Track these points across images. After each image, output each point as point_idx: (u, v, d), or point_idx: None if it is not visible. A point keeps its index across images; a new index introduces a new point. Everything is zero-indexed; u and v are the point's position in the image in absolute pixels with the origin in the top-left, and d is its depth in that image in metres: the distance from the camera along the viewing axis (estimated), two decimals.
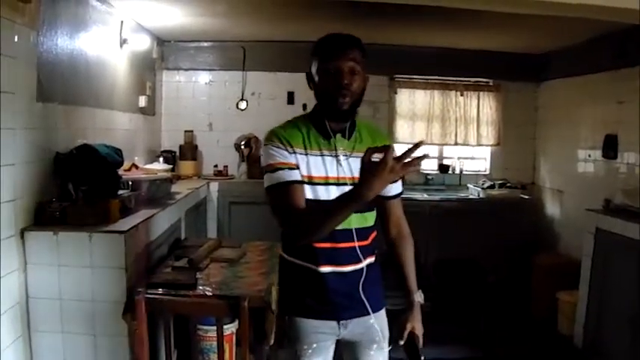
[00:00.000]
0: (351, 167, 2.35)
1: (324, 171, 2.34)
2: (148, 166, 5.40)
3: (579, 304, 5.12)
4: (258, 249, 4.35)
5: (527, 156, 7.50)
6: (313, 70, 2.36)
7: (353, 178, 2.32)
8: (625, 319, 4.45)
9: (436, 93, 7.30)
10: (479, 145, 7.43)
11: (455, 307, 6.01)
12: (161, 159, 6.33)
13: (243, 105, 7.11)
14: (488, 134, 7.40)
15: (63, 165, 3.72)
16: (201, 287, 3.34)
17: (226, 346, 3.48)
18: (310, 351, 2.47)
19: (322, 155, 2.35)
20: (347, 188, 2.18)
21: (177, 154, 6.92)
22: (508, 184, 7.06)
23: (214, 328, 3.36)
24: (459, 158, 7.56)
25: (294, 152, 2.32)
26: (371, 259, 2.50)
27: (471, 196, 7.03)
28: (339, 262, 2.39)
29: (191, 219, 5.44)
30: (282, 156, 2.31)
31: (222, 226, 6.55)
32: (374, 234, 2.53)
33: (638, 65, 5.16)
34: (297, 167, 2.31)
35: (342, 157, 2.36)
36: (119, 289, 3.32)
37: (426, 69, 7.18)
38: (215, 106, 7.16)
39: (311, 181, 2.32)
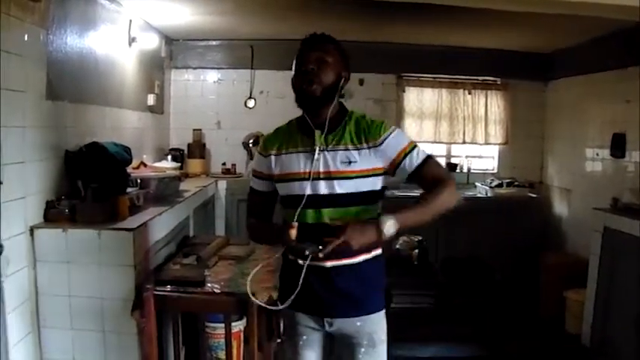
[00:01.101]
0: (327, 161, 2.38)
1: (298, 167, 2.43)
2: (157, 164, 5.43)
3: (587, 302, 5.12)
4: (266, 246, 4.35)
5: (535, 155, 7.49)
6: (293, 70, 2.50)
7: (328, 172, 2.38)
8: (633, 318, 4.45)
9: (444, 91, 7.30)
10: (487, 143, 7.43)
11: (462, 306, 6.01)
12: (169, 157, 6.35)
13: (251, 103, 7.13)
14: (496, 133, 7.40)
15: (72, 163, 3.75)
16: (209, 284, 3.36)
17: (234, 343, 3.50)
18: (301, 343, 2.54)
19: (299, 152, 2.45)
20: (322, 182, 2.37)
21: (186, 152, 6.94)
22: (516, 183, 7.05)
23: (222, 325, 3.38)
24: (466, 157, 7.56)
25: (269, 155, 2.53)
26: (367, 255, 2.44)
27: (478, 195, 7.02)
28: (314, 257, 2.32)
29: (199, 217, 5.46)
30: (258, 163, 2.61)
31: (230, 223, 6.56)
32: None
33: None
34: (267, 175, 2.55)
35: (317, 152, 2.39)
36: (128, 286, 3.34)
37: (434, 67, 7.17)
38: (223, 104, 7.18)
39: (284, 178, 2.47)
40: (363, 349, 2.47)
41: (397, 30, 6.10)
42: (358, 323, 2.45)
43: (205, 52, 7.11)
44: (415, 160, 2.39)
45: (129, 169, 4.22)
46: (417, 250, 5.44)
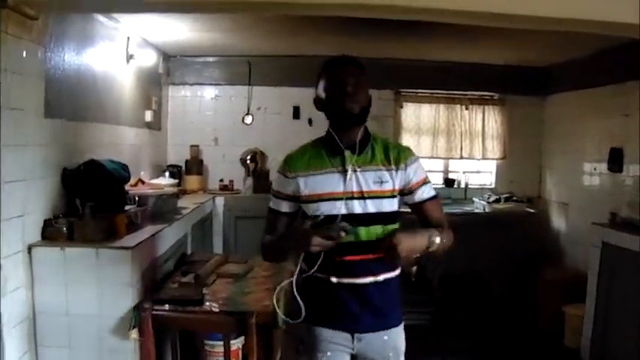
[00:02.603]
0: (359, 181, 2.44)
1: (329, 187, 2.45)
2: (154, 181, 5.42)
3: (586, 317, 5.10)
4: (265, 264, 4.33)
5: (532, 169, 7.48)
6: (320, 89, 2.50)
7: (361, 192, 2.43)
8: (632, 333, 4.44)
9: (442, 107, 7.30)
10: (484, 158, 7.43)
11: (461, 321, 5.99)
12: (167, 173, 6.35)
13: (248, 119, 7.12)
14: (494, 148, 7.40)
15: (70, 181, 3.74)
16: (207, 303, 3.35)
17: None
18: (324, 359, 2.54)
19: (329, 172, 2.47)
20: (355, 202, 2.42)
21: (183, 168, 6.93)
22: (514, 198, 7.05)
23: (221, 343, 3.37)
24: (464, 172, 7.56)
25: (296, 176, 2.51)
26: (389, 274, 2.52)
27: (476, 210, 7.02)
28: (350, 274, 2.45)
29: (197, 234, 5.45)
30: (281, 183, 2.57)
31: (228, 240, 6.55)
32: None
33: None
34: (292, 197, 2.54)
35: (350, 172, 2.43)
36: (126, 305, 3.33)
37: (432, 83, 7.18)
38: (221, 120, 7.18)
39: (316, 199, 2.46)
40: None
41: (394, 46, 6.11)
42: (385, 337, 2.53)
43: (203, 69, 7.12)
44: (426, 194, 2.53)
45: (127, 187, 4.22)
46: (415, 267, 5.43)
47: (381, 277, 2.48)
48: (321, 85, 2.49)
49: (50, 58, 3.63)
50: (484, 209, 6.89)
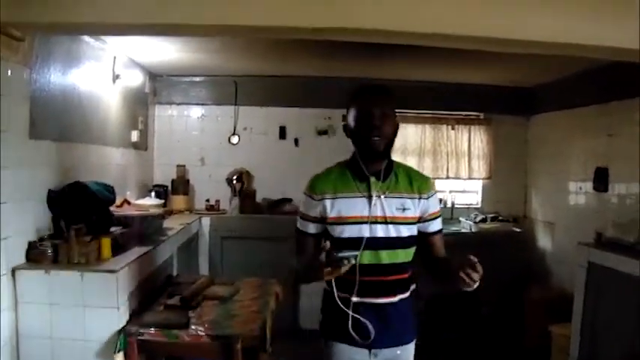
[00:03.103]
0: (383, 207, 2.56)
1: (356, 211, 2.56)
2: (140, 202, 5.40)
3: (572, 337, 5.10)
4: (251, 285, 4.33)
5: (518, 189, 7.50)
6: (350, 118, 2.61)
7: (384, 217, 2.55)
8: (618, 353, 4.44)
9: (427, 127, 7.32)
10: (470, 178, 7.44)
11: (448, 341, 5.98)
12: (153, 193, 6.32)
13: (235, 139, 7.11)
14: (480, 168, 7.42)
15: (55, 202, 3.72)
16: (193, 327, 3.33)
17: None
18: None
19: (356, 197, 2.58)
20: (379, 226, 2.54)
21: (169, 188, 6.90)
22: (500, 218, 7.07)
23: None
24: (450, 192, 7.55)
25: (322, 199, 2.60)
26: (404, 294, 2.66)
27: (463, 230, 7.02)
28: (370, 294, 2.57)
29: (183, 254, 5.41)
30: (308, 206, 2.65)
31: (214, 261, 6.51)
32: (409, 270, 2.69)
33: (626, 98, 5.20)
34: (320, 218, 2.61)
35: (374, 198, 2.55)
36: (111, 329, 3.31)
37: (418, 103, 7.18)
38: (207, 140, 7.16)
39: (342, 221, 2.57)
40: None
41: (380, 66, 6.13)
42: (398, 352, 2.68)
43: (189, 88, 7.11)
44: (436, 226, 2.70)
45: (112, 208, 4.20)
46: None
47: (397, 298, 2.62)
48: (351, 114, 2.59)
49: (36, 79, 3.62)
50: (470, 229, 6.90)
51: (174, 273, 4.83)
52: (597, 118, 5.77)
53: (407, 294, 2.68)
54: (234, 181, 6.98)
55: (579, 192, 6.13)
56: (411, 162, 7.22)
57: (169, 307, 3.66)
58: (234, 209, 6.85)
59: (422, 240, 2.68)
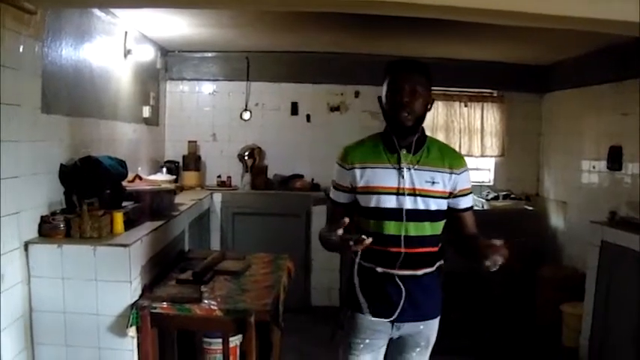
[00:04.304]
0: (412, 179, 2.58)
1: (385, 181, 2.59)
2: (152, 177, 5.39)
3: (584, 316, 5.10)
4: (263, 261, 4.33)
5: (531, 167, 7.47)
6: (383, 92, 2.63)
7: (413, 189, 2.58)
8: (630, 332, 4.43)
9: (440, 104, 7.27)
10: (483, 156, 7.41)
11: (460, 320, 5.98)
12: (164, 169, 6.32)
13: (246, 115, 7.10)
14: (492, 145, 7.38)
15: (67, 177, 3.71)
16: (206, 301, 3.32)
17: (230, 359, 3.47)
18: (362, 345, 2.72)
19: (386, 168, 2.61)
20: (407, 198, 2.57)
21: (181, 164, 6.91)
22: (512, 196, 7.04)
23: (219, 340, 3.36)
24: None
25: (353, 167, 2.65)
26: (430, 269, 2.68)
27: (475, 208, 6.96)
28: (394, 266, 2.61)
29: (194, 230, 5.42)
30: (340, 175, 2.71)
31: (225, 237, 6.53)
32: (437, 245, 2.72)
33: None
34: (350, 188, 2.67)
35: (404, 170, 2.58)
36: (124, 303, 3.32)
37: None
38: (219, 116, 7.15)
39: (370, 191, 2.61)
40: (418, 349, 2.78)
41: (393, 42, 6.08)
42: (421, 327, 2.72)
43: (201, 64, 7.09)
44: (466, 203, 2.71)
45: (124, 183, 4.20)
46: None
47: (422, 272, 2.64)
48: (384, 88, 2.61)
49: (47, 54, 3.61)
50: (483, 207, 6.87)
51: (186, 248, 4.84)
52: (611, 96, 5.72)
53: (432, 268, 2.69)
54: (246, 157, 6.98)
55: (592, 171, 6.09)
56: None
57: (182, 282, 3.66)
58: (245, 185, 6.85)
59: (452, 216, 2.70)
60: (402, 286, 2.61)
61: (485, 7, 3.02)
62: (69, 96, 3.97)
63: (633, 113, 5.24)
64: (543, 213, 7.14)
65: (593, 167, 6.07)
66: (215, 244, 6.48)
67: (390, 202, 2.57)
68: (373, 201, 2.59)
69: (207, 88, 7.17)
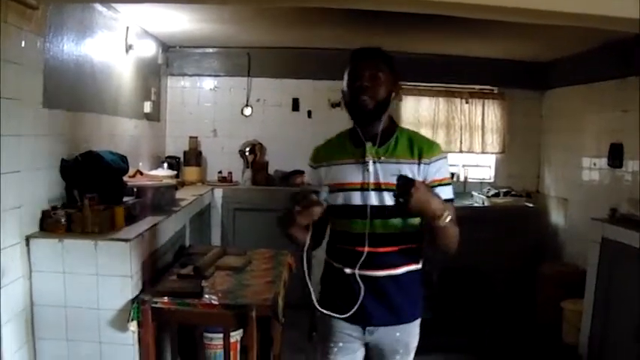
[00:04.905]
0: (377, 173, 2.45)
1: (350, 177, 2.49)
2: (153, 173, 5.40)
3: (584, 313, 5.10)
4: (263, 256, 4.34)
5: (531, 164, 7.47)
6: (344, 82, 2.52)
7: (378, 183, 2.45)
8: (631, 329, 4.43)
9: (441, 100, 7.28)
10: (483, 152, 7.41)
11: (459, 316, 5.99)
12: (165, 165, 6.33)
13: (248, 111, 7.10)
14: (493, 142, 7.38)
15: (69, 171, 3.72)
16: (207, 296, 3.33)
17: (231, 354, 3.47)
18: (336, 349, 2.61)
19: (351, 163, 2.51)
20: (372, 194, 2.44)
21: (182, 159, 6.91)
22: (512, 192, 7.03)
23: (219, 335, 3.36)
24: (463, 166, 7.53)
25: (320, 166, 2.61)
26: (409, 267, 2.53)
27: (475, 204, 6.99)
28: (365, 266, 2.46)
29: (195, 226, 5.43)
30: (311, 175, 2.67)
31: (226, 232, 6.54)
32: (412, 243, 2.55)
33: None
34: (319, 187, 2.47)
35: (369, 164, 2.46)
36: (125, 297, 3.32)
37: (432, 76, 7.16)
38: (220, 112, 7.15)
39: (336, 188, 2.48)
40: (398, 357, 2.60)
41: (394, 38, 6.08)
42: (397, 334, 2.56)
43: (202, 60, 7.09)
44: (443, 194, 2.43)
45: (125, 178, 4.20)
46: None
47: (399, 271, 2.50)
48: (344, 78, 2.51)
49: (49, 49, 3.61)
50: (483, 203, 6.87)
51: (187, 243, 4.85)
52: (613, 93, 5.72)
53: (409, 268, 2.53)
54: (247, 153, 6.99)
55: (593, 168, 6.09)
56: (424, 134, 7.15)
57: (183, 277, 3.66)
58: (246, 181, 6.86)
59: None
60: (374, 288, 2.46)
61: (486, 3, 3.02)
62: (70, 91, 3.98)
63: (634, 110, 5.23)
64: (544, 210, 7.15)
65: (594, 164, 6.07)
66: (216, 239, 6.48)
67: (355, 198, 2.46)
68: (340, 198, 2.48)
69: (209, 83, 7.16)
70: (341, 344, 2.59)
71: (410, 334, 2.60)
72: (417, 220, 2.49)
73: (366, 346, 2.62)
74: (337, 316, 2.52)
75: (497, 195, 6.91)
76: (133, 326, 3.26)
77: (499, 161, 7.54)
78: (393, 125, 2.57)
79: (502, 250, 6.49)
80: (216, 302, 3.26)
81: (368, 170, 2.45)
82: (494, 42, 6.09)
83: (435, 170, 2.47)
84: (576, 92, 6.51)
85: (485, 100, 7.37)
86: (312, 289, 2.55)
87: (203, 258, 4.00)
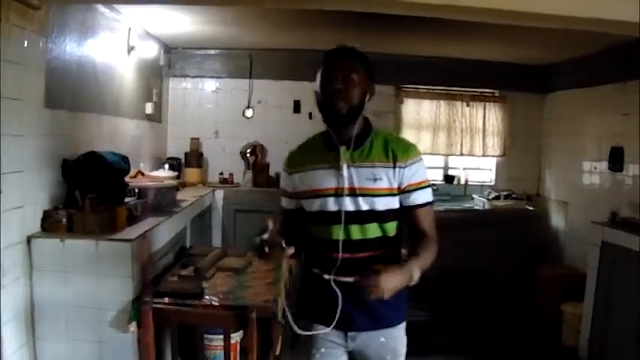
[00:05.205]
0: (352, 177, 2.37)
1: (323, 183, 2.41)
2: (154, 174, 5.40)
3: (584, 316, 5.10)
4: (265, 259, 4.33)
5: (532, 167, 7.48)
6: (317, 82, 2.41)
7: (353, 188, 2.36)
8: (631, 333, 4.43)
9: (442, 103, 7.29)
10: (484, 155, 7.42)
11: (459, 319, 5.99)
12: (166, 166, 6.33)
13: (249, 113, 7.11)
14: (494, 145, 7.39)
15: (70, 172, 3.73)
16: (207, 297, 3.34)
17: (231, 355, 3.47)
18: (318, 355, 2.52)
19: (324, 168, 2.42)
20: (347, 199, 2.37)
21: (183, 161, 6.92)
22: (513, 196, 7.04)
23: (220, 336, 3.36)
24: (464, 169, 7.54)
25: (294, 172, 2.53)
26: None
27: (476, 207, 7.00)
28: (343, 272, 2.38)
29: (196, 227, 5.44)
30: (284, 181, 2.62)
31: (227, 234, 6.55)
32: (392, 247, 2.48)
33: None
34: (294, 193, 2.54)
35: (343, 168, 2.37)
36: (125, 298, 3.33)
37: (433, 79, 7.17)
38: (221, 113, 7.16)
39: (310, 195, 2.45)
40: None
41: (396, 41, 6.09)
42: (382, 339, 2.48)
43: (204, 61, 7.10)
44: (420, 199, 2.42)
45: (127, 179, 4.21)
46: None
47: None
48: (318, 78, 2.41)
49: (51, 49, 3.62)
50: (484, 206, 6.88)
51: (188, 244, 4.85)
52: (614, 97, 5.73)
53: None
54: (248, 155, 6.99)
55: (594, 171, 6.10)
56: (425, 138, 7.24)
57: (183, 278, 3.67)
58: (247, 183, 6.87)
59: (406, 214, 2.44)
60: (354, 294, 2.29)
61: (487, 6, 3.03)
62: (72, 91, 3.99)
63: (635, 114, 5.24)
64: (544, 213, 7.15)
65: (595, 168, 6.07)
66: (217, 240, 6.49)
67: (330, 204, 2.39)
68: (315, 205, 2.42)
69: (210, 85, 7.17)
70: (323, 350, 2.51)
71: (396, 338, 2.53)
72: (394, 225, 2.46)
73: (352, 353, 2.54)
74: (318, 332, 2.48)
75: (497, 198, 6.92)
76: (134, 327, 3.26)
77: (500, 164, 7.54)
78: (368, 127, 2.47)
79: (502, 253, 6.50)
80: (216, 303, 3.27)
81: (342, 175, 2.37)
82: (496, 45, 6.10)
83: (411, 174, 2.40)
84: (577, 95, 6.51)
85: (487, 103, 7.38)
86: (289, 314, 2.57)
87: (204, 259, 4.00)
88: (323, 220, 2.42)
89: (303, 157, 2.52)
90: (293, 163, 2.55)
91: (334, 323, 2.40)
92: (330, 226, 2.40)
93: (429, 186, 2.46)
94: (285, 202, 2.62)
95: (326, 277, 2.42)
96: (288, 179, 2.56)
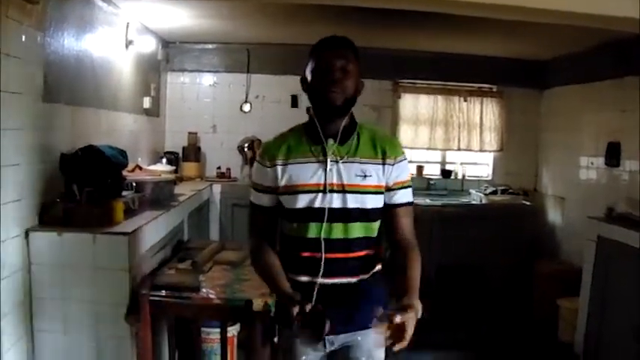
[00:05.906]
0: (340, 173, 2.28)
1: (309, 178, 2.29)
2: (152, 167, 5.41)
3: (580, 311, 5.12)
4: None
5: (529, 162, 7.49)
6: (307, 71, 2.33)
7: (342, 185, 2.27)
8: (627, 328, 4.45)
9: (439, 98, 7.30)
10: (481, 150, 7.44)
11: (456, 313, 6.01)
12: (164, 160, 6.34)
13: (247, 107, 7.12)
14: (491, 140, 7.40)
15: (68, 165, 3.72)
16: (204, 290, 3.35)
17: (228, 348, 3.48)
18: None
19: (310, 162, 2.31)
20: (335, 195, 2.26)
21: (181, 155, 6.93)
22: (510, 191, 7.04)
23: (217, 330, 3.36)
24: (461, 163, 7.55)
25: (275, 165, 2.33)
26: (365, 275, 2.36)
27: (472, 202, 7.02)
28: (317, 273, 2.29)
29: (194, 221, 5.45)
30: (260, 174, 2.39)
31: (224, 228, 6.56)
32: (374, 247, 2.39)
33: None
34: (271, 188, 2.36)
35: (330, 163, 2.28)
36: (123, 291, 3.34)
37: (430, 74, 7.17)
38: (219, 108, 7.18)
39: (293, 190, 2.30)
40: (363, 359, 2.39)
41: (393, 36, 6.10)
42: (359, 338, 2.37)
43: (201, 56, 7.10)
44: (404, 197, 2.36)
45: (124, 173, 4.21)
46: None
47: (360, 278, 2.34)
48: (309, 65, 2.32)
49: (49, 43, 3.62)
50: (480, 201, 6.90)
51: (185, 238, 4.86)
52: (611, 92, 5.74)
53: (369, 274, 2.37)
54: (246, 149, 6.98)
55: (591, 167, 6.11)
56: (423, 132, 7.26)
57: (181, 271, 3.69)
58: (244, 177, 6.86)
59: (387, 212, 2.36)
60: (331, 296, 2.26)
61: (485, 1, 3.04)
62: (70, 85, 3.99)
63: (632, 109, 5.25)
64: (541, 208, 7.17)
65: (592, 163, 6.08)
66: (214, 234, 6.50)
67: (315, 201, 2.26)
68: (297, 201, 2.28)
69: (208, 79, 7.18)
70: (304, 357, 2.39)
71: (373, 338, 2.31)
72: (377, 225, 2.37)
73: (331, 354, 2.42)
74: (305, 348, 2.38)
75: (494, 193, 6.93)
76: (131, 319, 3.27)
77: (497, 159, 7.56)
78: (354, 121, 2.37)
79: (499, 248, 6.53)
80: (213, 297, 3.28)
81: (330, 170, 2.27)
82: (494, 40, 6.11)
83: (399, 172, 2.35)
84: (575, 91, 6.52)
85: (484, 99, 7.39)
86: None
87: (201, 253, 4.01)
88: (304, 218, 2.30)
89: (284, 149, 2.35)
90: (272, 155, 2.35)
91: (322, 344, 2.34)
92: (310, 224, 2.29)
93: (410, 185, 2.40)
94: (263, 199, 2.40)
95: (304, 279, 2.32)
96: (265, 172, 2.36)
